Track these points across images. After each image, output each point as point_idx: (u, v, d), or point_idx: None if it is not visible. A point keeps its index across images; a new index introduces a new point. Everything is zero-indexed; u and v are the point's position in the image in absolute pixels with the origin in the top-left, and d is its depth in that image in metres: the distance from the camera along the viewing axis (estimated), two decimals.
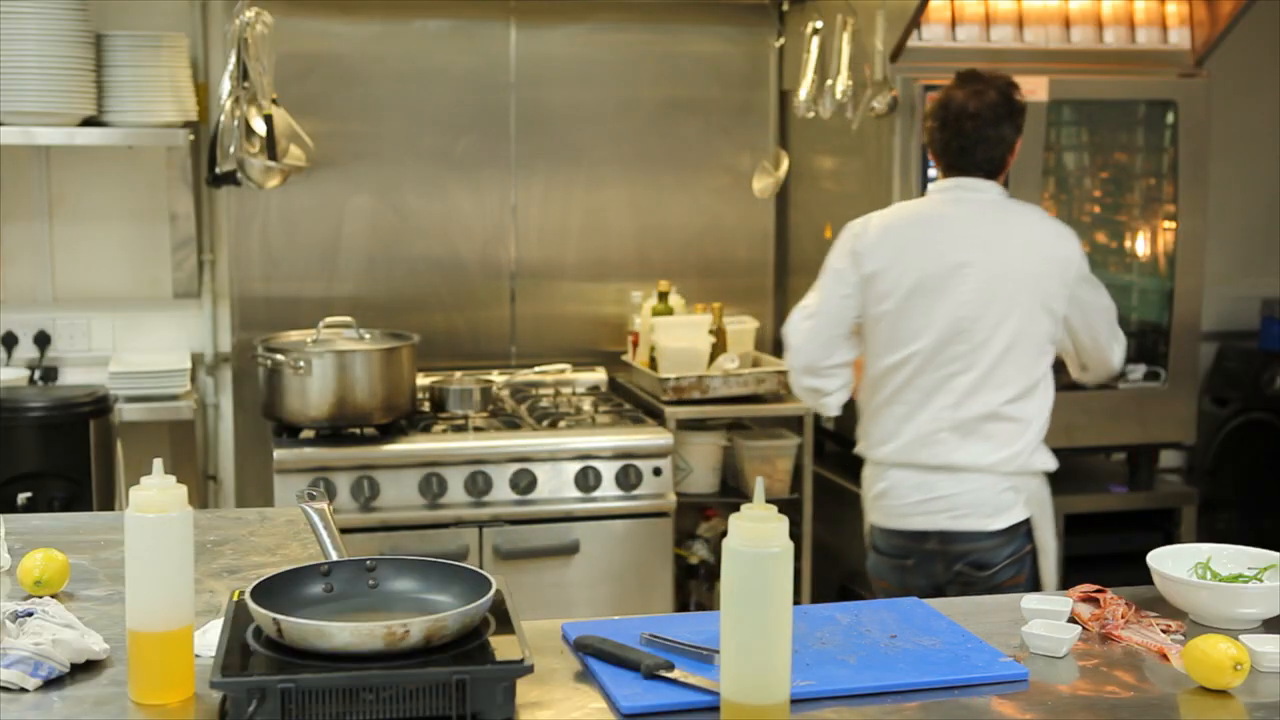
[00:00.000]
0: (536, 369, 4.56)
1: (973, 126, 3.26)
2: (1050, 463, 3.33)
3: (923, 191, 3.90)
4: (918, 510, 3.28)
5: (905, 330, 3.26)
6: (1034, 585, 3.29)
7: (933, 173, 3.89)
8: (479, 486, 3.81)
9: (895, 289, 3.25)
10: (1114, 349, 3.42)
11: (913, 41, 3.97)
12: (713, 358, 4.21)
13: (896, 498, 3.31)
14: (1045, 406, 3.31)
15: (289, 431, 3.89)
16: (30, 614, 1.86)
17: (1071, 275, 3.30)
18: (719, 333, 4.27)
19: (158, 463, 1.74)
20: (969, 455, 3.24)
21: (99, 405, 3.81)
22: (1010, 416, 3.25)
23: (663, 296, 4.35)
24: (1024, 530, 3.29)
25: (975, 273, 3.22)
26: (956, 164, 3.32)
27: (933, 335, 3.24)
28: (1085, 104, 4.27)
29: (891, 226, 3.31)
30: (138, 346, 4.38)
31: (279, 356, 3.81)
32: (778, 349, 4.71)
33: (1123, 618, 2.05)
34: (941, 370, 3.25)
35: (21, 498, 3.64)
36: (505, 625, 1.77)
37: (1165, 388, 4.23)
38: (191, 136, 4.16)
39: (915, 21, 3.88)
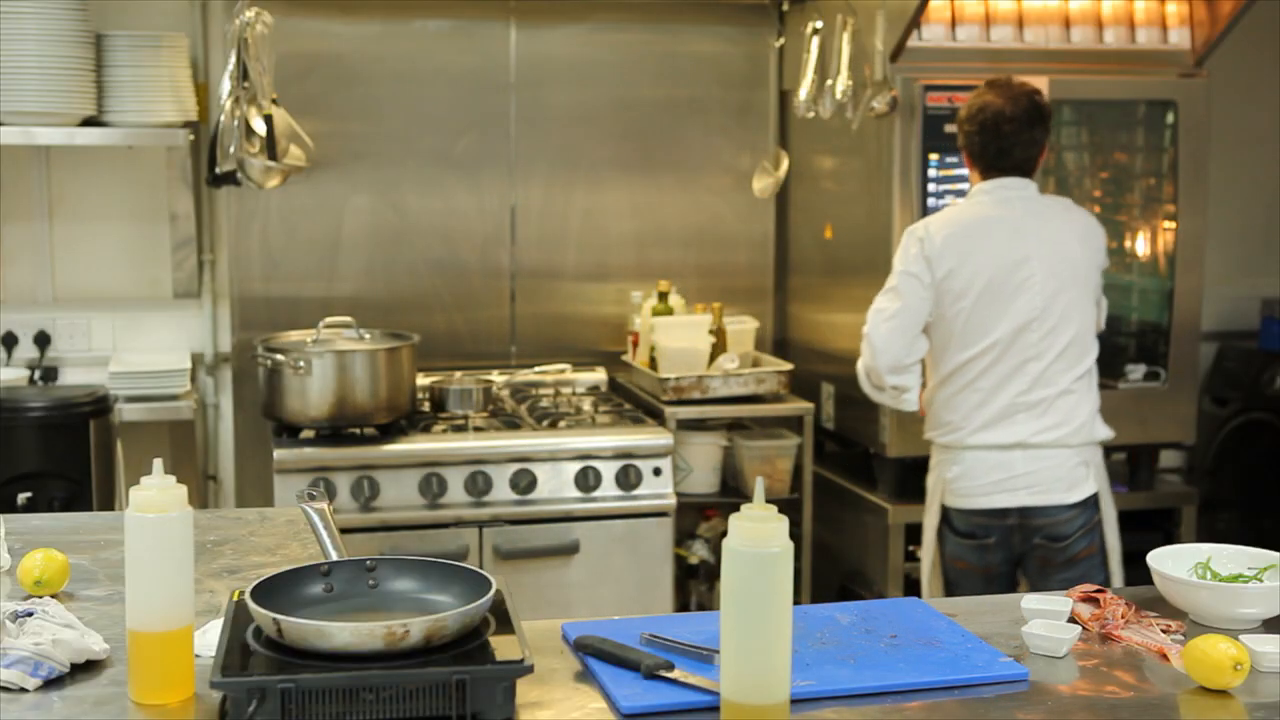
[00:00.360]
0: (536, 369, 4.55)
1: (1010, 130, 3.44)
2: (1108, 431, 3.53)
3: (923, 190, 3.94)
4: (998, 489, 3.46)
5: (980, 326, 3.44)
6: (1103, 553, 3.50)
7: (933, 172, 3.93)
8: (479, 486, 3.81)
9: (969, 289, 3.42)
10: (1102, 314, 3.65)
11: (913, 41, 3.97)
12: (713, 358, 4.20)
13: (974, 478, 3.48)
14: (1096, 377, 3.54)
15: (289, 431, 3.89)
16: (30, 614, 1.86)
17: (1103, 257, 3.55)
18: (719, 333, 4.26)
19: (158, 463, 1.74)
20: (1041, 430, 3.43)
21: (99, 405, 3.81)
22: (1075, 390, 3.46)
23: (663, 296, 4.35)
24: (1093, 502, 3.49)
25: (1038, 266, 3.43)
26: (995, 165, 3.49)
27: (1007, 328, 3.42)
28: (1085, 104, 4.27)
29: (954, 230, 3.46)
30: (138, 346, 4.38)
31: (279, 356, 3.81)
32: (778, 349, 4.72)
33: (1123, 618, 2.05)
34: (1016, 358, 3.44)
35: (21, 498, 3.64)
36: (505, 625, 1.76)
37: (1165, 388, 4.23)
38: (191, 136, 4.16)
39: (915, 21, 3.89)
